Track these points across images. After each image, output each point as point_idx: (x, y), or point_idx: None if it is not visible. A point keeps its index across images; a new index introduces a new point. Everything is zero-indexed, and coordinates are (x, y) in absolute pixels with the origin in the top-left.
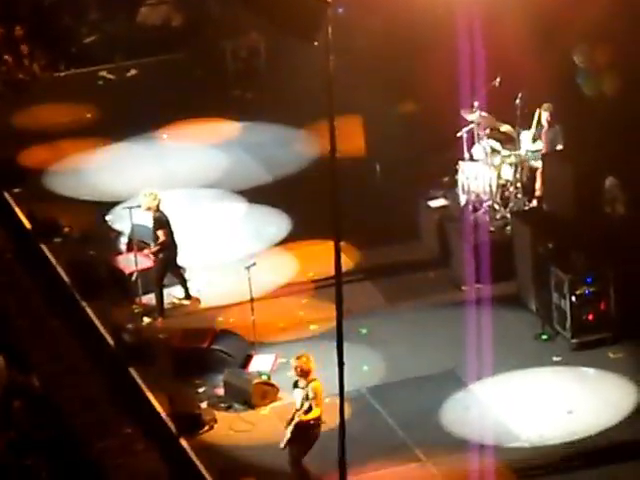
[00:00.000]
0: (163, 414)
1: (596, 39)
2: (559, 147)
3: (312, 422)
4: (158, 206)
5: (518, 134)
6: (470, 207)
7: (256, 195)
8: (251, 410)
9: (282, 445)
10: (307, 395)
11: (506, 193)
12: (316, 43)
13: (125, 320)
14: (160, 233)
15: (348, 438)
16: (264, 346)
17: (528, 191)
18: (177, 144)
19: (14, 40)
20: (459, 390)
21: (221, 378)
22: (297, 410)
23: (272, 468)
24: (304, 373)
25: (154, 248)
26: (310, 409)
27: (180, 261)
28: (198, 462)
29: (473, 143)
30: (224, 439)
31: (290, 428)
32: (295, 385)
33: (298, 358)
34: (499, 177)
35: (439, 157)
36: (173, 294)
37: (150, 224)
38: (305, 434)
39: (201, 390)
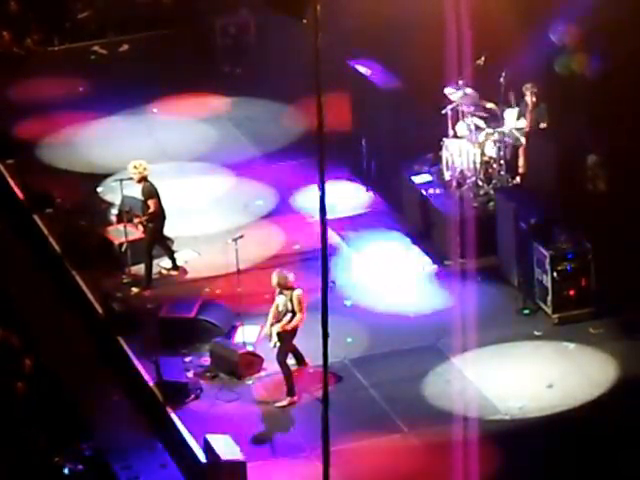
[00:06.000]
0: (150, 382)
1: (573, 19)
2: (543, 125)
3: (294, 329)
4: (147, 176)
5: (502, 112)
6: (454, 183)
7: (244, 169)
8: (236, 380)
9: (271, 345)
10: (291, 301)
11: (490, 170)
12: (305, 21)
13: (114, 289)
14: (150, 203)
15: (331, 409)
16: (250, 317)
17: (511, 168)
18: (167, 118)
19: (9, 15)
20: (441, 363)
21: (207, 348)
22: (279, 312)
23: (257, 436)
24: (284, 286)
25: (145, 217)
26: (294, 315)
27: (168, 232)
28: (184, 430)
29: (458, 120)
30: (210, 408)
31: (275, 330)
32: (280, 292)
33: (277, 275)
34: (483, 154)
35: (424, 133)
36: (161, 265)
37: (140, 196)
38: (287, 338)
39: (187, 359)
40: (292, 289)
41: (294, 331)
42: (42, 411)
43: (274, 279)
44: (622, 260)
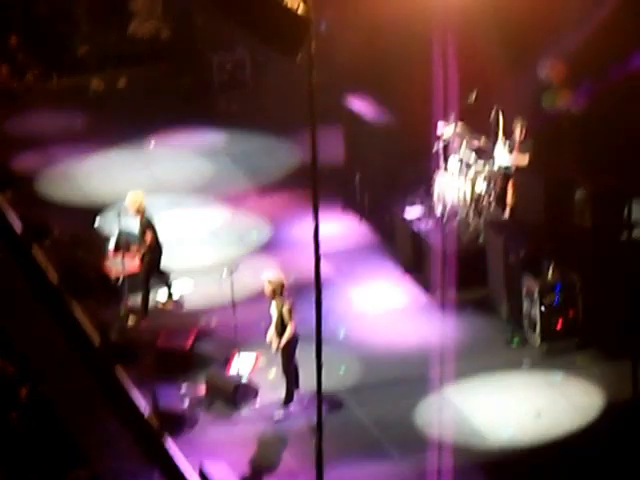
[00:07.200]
0: (147, 411)
1: (559, 56)
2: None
3: (288, 340)
4: (144, 209)
5: (492, 147)
6: (445, 217)
7: (240, 202)
8: (232, 409)
9: (274, 351)
10: (281, 312)
11: (480, 204)
12: (299, 58)
13: (111, 320)
14: (147, 235)
15: (325, 436)
16: (245, 348)
17: (501, 202)
18: (164, 152)
19: (9, 49)
20: (432, 393)
21: (203, 378)
22: (275, 323)
23: (252, 463)
24: (274, 294)
25: (142, 249)
26: (284, 328)
27: (165, 264)
28: (180, 458)
29: (448, 156)
30: (205, 436)
31: (275, 342)
32: (272, 299)
33: (270, 282)
34: (473, 188)
35: (416, 168)
36: (158, 296)
37: (137, 228)
38: (285, 349)
39: (183, 389)
40: (283, 299)
41: (292, 343)
42: (39, 440)
43: (268, 287)
44: (609, 292)
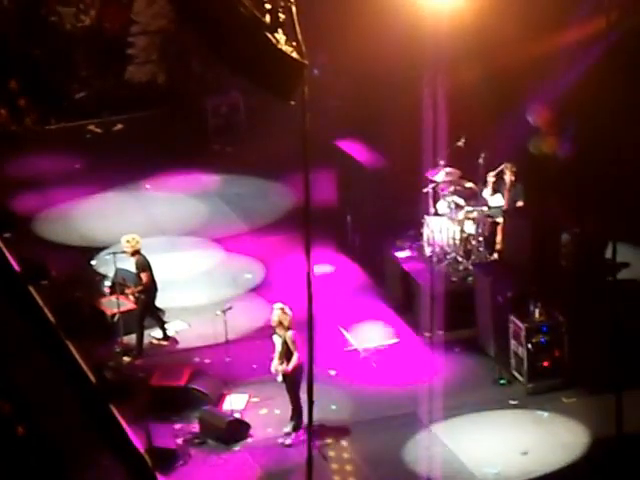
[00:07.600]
0: (140, 448)
1: (547, 102)
2: (520, 204)
3: (295, 367)
4: (140, 250)
5: (480, 191)
6: (434, 258)
7: (233, 243)
8: (224, 446)
9: (279, 380)
10: (285, 341)
11: (468, 246)
12: (293, 102)
13: (107, 359)
14: (143, 275)
15: (315, 473)
16: (238, 386)
17: (489, 244)
18: (159, 194)
19: (8, 93)
20: (421, 430)
21: (196, 415)
22: (279, 352)
23: None
24: (280, 324)
25: (137, 289)
26: (290, 355)
27: (160, 303)
28: None
29: (438, 199)
30: (198, 473)
31: (280, 369)
32: (274, 332)
33: (275, 310)
34: (462, 231)
35: (406, 210)
36: (152, 335)
37: (133, 269)
38: (292, 376)
39: (177, 426)
40: (286, 329)
41: (298, 369)
42: (34, 476)
43: (275, 317)
44: (594, 332)
